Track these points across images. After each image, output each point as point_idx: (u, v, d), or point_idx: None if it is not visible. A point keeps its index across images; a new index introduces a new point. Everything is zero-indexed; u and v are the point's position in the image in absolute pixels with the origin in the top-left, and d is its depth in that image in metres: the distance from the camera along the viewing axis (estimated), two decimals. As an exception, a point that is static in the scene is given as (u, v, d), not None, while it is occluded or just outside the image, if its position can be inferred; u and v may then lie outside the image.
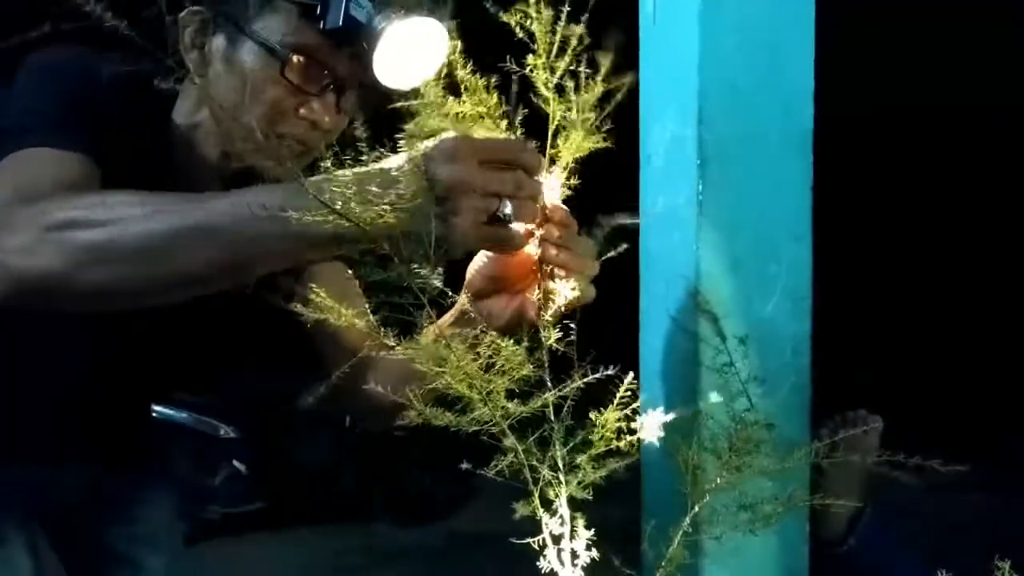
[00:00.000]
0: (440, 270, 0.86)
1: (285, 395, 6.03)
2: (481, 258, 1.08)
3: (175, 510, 1.66)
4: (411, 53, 0.98)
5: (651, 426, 0.90)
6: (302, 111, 1.12)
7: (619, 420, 0.90)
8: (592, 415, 0.91)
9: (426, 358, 0.88)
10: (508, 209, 0.89)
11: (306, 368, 1.34)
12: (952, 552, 0.94)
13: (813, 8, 1.17)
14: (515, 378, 0.89)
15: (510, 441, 0.89)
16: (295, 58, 1.09)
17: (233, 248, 0.91)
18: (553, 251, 0.96)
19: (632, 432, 0.90)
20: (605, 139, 0.95)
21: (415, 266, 0.85)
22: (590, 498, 0.90)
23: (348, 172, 0.88)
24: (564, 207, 0.98)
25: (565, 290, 0.96)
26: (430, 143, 0.88)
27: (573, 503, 0.91)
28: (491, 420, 0.89)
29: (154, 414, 1.60)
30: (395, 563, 5.46)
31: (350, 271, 1.32)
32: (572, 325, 0.94)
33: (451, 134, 0.89)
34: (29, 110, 1.10)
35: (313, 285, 1.37)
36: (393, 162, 0.89)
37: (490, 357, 0.89)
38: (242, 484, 5.58)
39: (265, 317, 1.31)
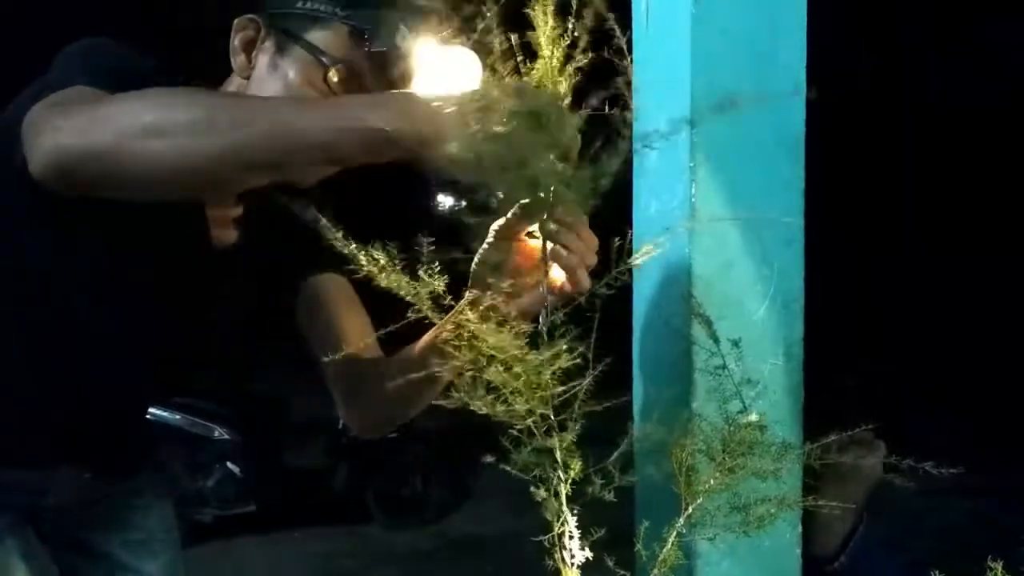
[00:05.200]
0: None
1: (280, 398, 6.05)
2: (483, 249, 1.08)
3: (172, 514, 1.65)
4: (446, 79, 1.04)
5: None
6: None
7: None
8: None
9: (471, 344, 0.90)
10: None
11: (302, 372, 1.35)
12: (946, 564, 0.95)
13: (805, 11, 1.18)
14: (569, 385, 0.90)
15: (551, 441, 0.90)
16: (338, 69, 1.16)
17: (281, 127, 0.96)
18: (552, 226, 0.97)
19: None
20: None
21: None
22: (614, 500, 0.91)
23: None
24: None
25: (560, 275, 0.98)
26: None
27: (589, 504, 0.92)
28: (532, 417, 0.89)
29: (148, 416, 1.60)
30: (387, 566, 5.45)
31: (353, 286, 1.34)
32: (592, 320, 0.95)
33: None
34: (76, 67, 1.16)
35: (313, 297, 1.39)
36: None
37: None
38: (235, 486, 5.57)
39: (263, 323, 1.32)
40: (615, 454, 0.91)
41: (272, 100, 1.15)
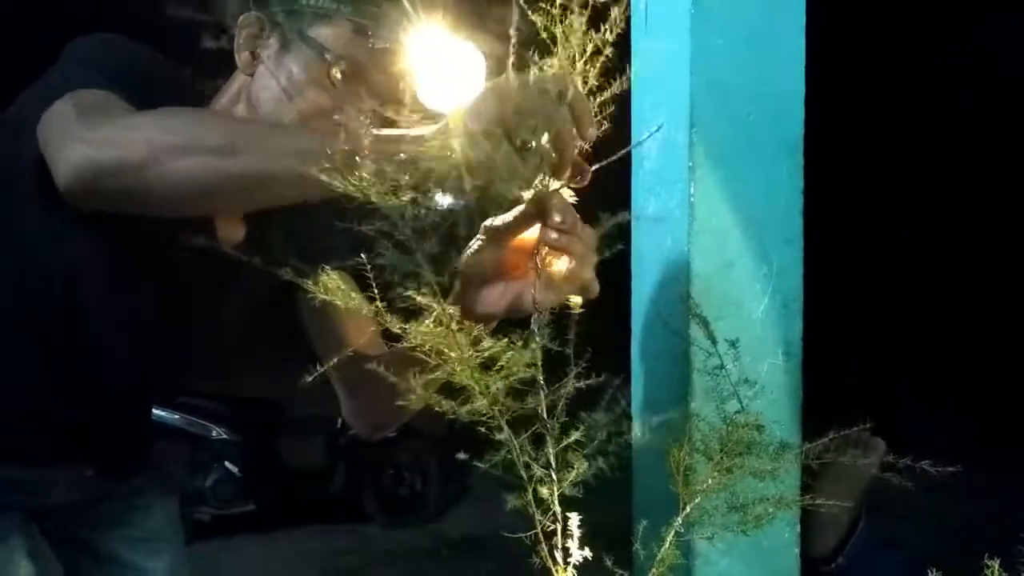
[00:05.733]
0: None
1: (278, 397, 6.05)
2: (475, 245, 1.06)
3: (176, 514, 1.66)
4: (451, 76, 1.03)
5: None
6: (336, 116, 1.15)
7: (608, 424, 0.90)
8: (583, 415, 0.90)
9: (430, 346, 0.89)
10: None
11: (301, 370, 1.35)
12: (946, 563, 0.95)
13: (804, 11, 1.18)
14: (515, 377, 0.89)
15: (505, 435, 0.89)
16: (341, 66, 1.16)
17: (304, 150, 0.93)
18: (554, 235, 0.93)
19: (620, 435, 0.90)
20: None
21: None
22: (580, 495, 0.90)
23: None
24: (561, 194, 0.96)
25: (562, 272, 0.96)
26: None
27: (565, 500, 0.91)
28: (488, 414, 0.89)
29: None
30: (386, 565, 5.46)
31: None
32: (570, 319, 0.93)
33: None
34: (92, 67, 1.15)
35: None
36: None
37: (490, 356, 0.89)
38: (234, 486, 5.57)
39: (266, 323, 1.32)
40: (586, 451, 0.90)
41: (305, 131, 1.14)
